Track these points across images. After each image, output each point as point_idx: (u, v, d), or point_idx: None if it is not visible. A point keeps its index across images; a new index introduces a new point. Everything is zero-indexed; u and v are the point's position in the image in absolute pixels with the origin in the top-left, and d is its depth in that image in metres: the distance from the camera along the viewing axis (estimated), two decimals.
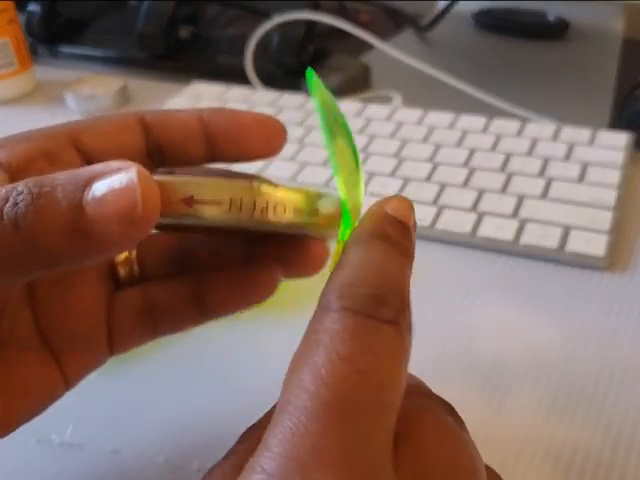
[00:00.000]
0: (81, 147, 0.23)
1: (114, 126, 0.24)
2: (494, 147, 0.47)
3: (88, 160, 0.23)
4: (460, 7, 0.72)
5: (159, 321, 0.25)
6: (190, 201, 0.19)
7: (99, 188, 0.18)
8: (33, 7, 0.70)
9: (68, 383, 0.25)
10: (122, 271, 0.25)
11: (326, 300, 0.18)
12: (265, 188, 0.20)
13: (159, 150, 0.24)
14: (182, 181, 0.19)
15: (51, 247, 0.18)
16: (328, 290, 0.18)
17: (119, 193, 0.17)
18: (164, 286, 0.25)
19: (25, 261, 0.18)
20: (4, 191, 0.18)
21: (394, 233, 0.19)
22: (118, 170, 0.18)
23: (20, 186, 0.18)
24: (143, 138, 0.24)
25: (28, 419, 0.24)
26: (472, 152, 0.47)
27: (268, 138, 0.24)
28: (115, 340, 0.25)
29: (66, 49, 0.70)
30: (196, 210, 0.19)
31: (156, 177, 0.18)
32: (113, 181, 0.18)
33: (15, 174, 0.21)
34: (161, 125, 0.24)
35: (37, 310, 0.24)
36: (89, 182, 0.18)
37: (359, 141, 0.49)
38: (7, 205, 0.17)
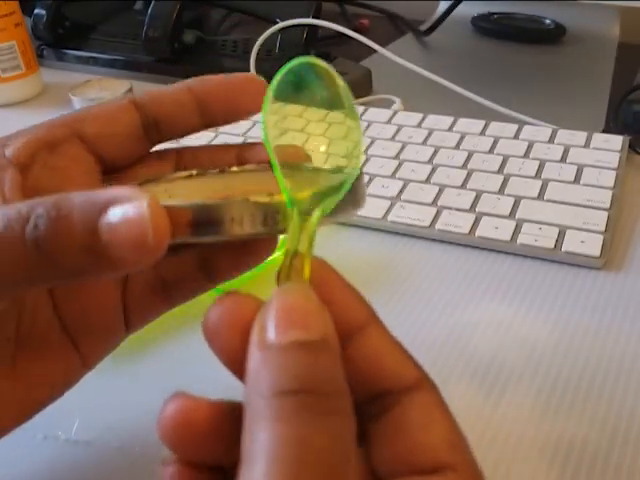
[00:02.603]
0: (82, 135, 0.24)
1: (109, 111, 0.25)
2: (492, 149, 0.48)
3: (89, 146, 0.25)
4: (459, 12, 0.72)
5: (172, 293, 0.26)
6: (192, 225, 0.20)
7: (113, 216, 0.18)
8: (39, 10, 0.70)
9: (88, 365, 0.26)
10: None
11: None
12: (259, 201, 0.20)
13: (155, 126, 0.25)
14: (185, 206, 0.20)
15: (69, 266, 0.19)
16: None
17: (131, 223, 0.18)
18: (173, 260, 0.25)
19: (45, 276, 0.19)
20: (25, 210, 0.19)
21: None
22: (130, 199, 0.19)
23: (39, 208, 0.19)
24: (138, 117, 0.25)
25: (49, 403, 0.25)
26: (470, 154, 0.48)
27: (255, 93, 0.25)
28: (131, 318, 0.26)
29: (72, 52, 0.70)
30: (200, 233, 0.20)
31: (162, 203, 0.19)
32: (126, 211, 0.18)
33: (22, 167, 0.23)
34: (153, 102, 0.25)
35: (55, 299, 0.25)
36: (104, 208, 0.18)
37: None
38: (28, 226, 0.18)
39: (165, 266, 0.25)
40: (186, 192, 0.24)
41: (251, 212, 0.20)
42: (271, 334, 0.18)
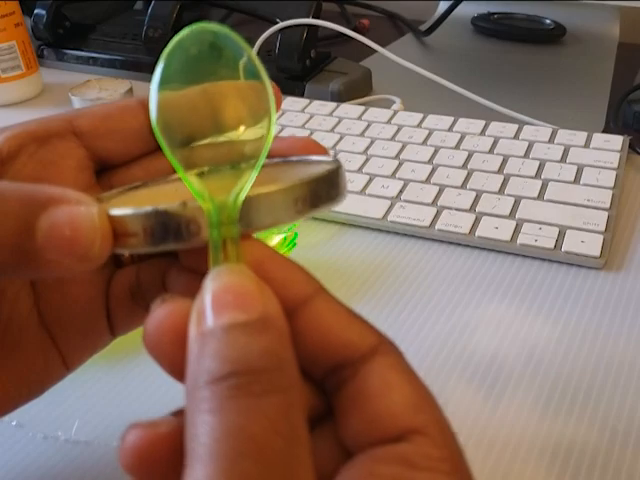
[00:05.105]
0: (78, 130, 0.24)
1: (113, 109, 0.24)
2: (492, 149, 0.48)
3: (84, 142, 0.24)
4: (459, 12, 0.73)
5: (150, 300, 0.24)
6: (142, 234, 0.19)
7: (57, 218, 0.17)
8: (39, 10, 0.70)
9: (68, 366, 0.25)
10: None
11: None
12: (172, 208, 0.18)
13: None
14: (134, 215, 0.18)
15: None
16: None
17: (79, 230, 0.17)
18: (152, 264, 0.24)
19: None
20: None
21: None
22: (78, 203, 0.18)
23: None
24: (144, 118, 0.24)
25: (26, 401, 0.24)
26: (470, 154, 0.48)
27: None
28: (115, 321, 0.25)
29: (72, 52, 0.70)
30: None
31: (111, 212, 0.18)
32: (74, 216, 0.17)
33: (6, 160, 0.22)
34: None
35: (37, 294, 0.24)
36: (44, 207, 0.17)
37: (361, 144, 0.50)
38: None
39: (145, 268, 0.24)
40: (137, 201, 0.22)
41: (159, 223, 0.18)
42: (208, 320, 0.17)
